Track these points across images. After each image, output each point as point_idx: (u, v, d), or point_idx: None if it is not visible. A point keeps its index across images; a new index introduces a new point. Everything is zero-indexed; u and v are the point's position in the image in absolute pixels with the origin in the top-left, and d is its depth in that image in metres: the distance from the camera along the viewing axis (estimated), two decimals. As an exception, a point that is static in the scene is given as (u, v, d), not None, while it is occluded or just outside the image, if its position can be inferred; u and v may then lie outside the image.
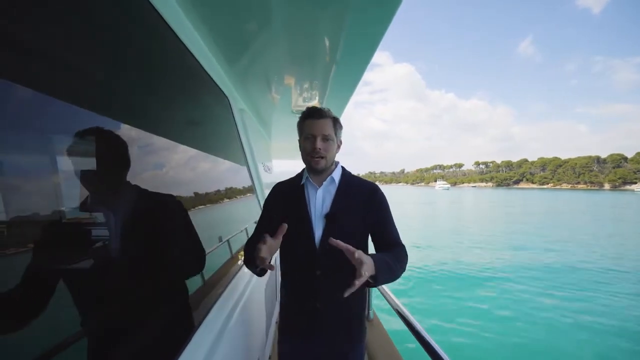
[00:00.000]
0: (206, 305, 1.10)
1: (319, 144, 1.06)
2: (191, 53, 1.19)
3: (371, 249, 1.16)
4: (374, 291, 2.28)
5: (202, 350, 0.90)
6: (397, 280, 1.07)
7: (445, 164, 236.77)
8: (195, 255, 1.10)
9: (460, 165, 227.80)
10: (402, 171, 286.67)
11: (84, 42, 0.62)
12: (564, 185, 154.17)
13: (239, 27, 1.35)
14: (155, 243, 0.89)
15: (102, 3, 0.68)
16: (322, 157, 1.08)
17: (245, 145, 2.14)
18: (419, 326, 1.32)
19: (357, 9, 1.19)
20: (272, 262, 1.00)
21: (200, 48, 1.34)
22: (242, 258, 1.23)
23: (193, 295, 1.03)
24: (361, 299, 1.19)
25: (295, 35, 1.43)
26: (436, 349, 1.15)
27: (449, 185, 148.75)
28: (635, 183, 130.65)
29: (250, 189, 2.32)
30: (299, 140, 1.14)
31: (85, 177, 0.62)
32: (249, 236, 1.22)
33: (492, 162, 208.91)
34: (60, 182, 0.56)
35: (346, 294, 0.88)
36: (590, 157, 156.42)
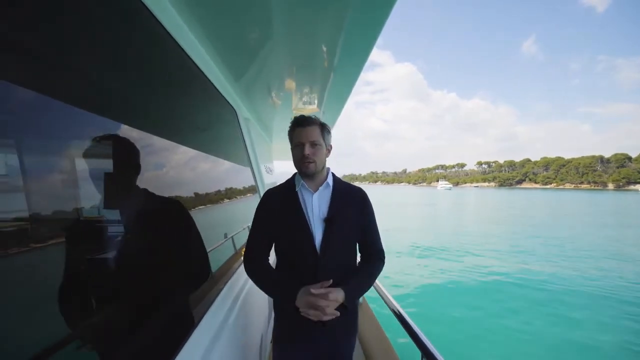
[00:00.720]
0: (206, 302, 1.16)
1: (308, 150, 1.13)
2: (204, 73, 1.44)
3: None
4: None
5: (200, 348, 0.95)
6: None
7: (447, 164, 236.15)
8: (199, 263, 1.17)
9: (463, 165, 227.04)
10: (404, 171, 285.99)
11: (118, 63, 0.84)
12: (567, 185, 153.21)
13: (244, 48, 1.59)
14: (161, 244, 0.95)
15: (123, 32, 0.83)
16: (312, 162, 1.14)
17: (249, 150, 2.39)
18: (402, 311, 1.44)
19: (352, 17, 1.28)
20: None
21: (212, 68, 1.58)
22: (243, 257, 1.27)
23: (194, 291, 1.12)
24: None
25: (294, 47, 1.60)
26: (417, 333, 1.26)
27: (451, 185, 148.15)
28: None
29: (253, 189, 2.56)
30: (291, 149, 1.21)
31: (99, 181, 0.68)
32: (247, 240, 1.24)
33: (494, 162, 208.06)
34: (76, 185, 0.62)
35: (315, 319, 1.04)
36: (593, 156, 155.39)
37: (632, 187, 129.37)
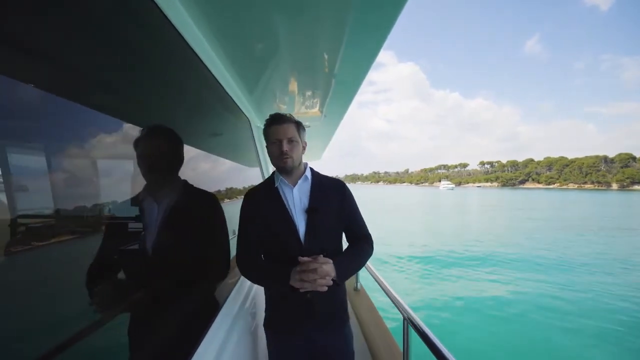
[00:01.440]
0: (224, 292, 1.30)
1: (286, 146, 1.16)
2: (224, 89, 1.74)
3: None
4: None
5: (222, 331, 1.07)
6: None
7: (449, 164, 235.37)
8: (222, 256, 1.24)
9: (465, 165, 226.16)
10: (406, 171, 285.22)
11: (165, 89, 1.12)
12: (571, 185, 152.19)
13: (256, 66, 1.86)
14: (195, 232, 1.06)
15: (165, 60, 1.04)
16: (289, 157, 1.17)
17: (260, 153, 2.72)
18: (399, 297, 1.49)
19: (352, 32, 1.35)
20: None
21: (231, 85, 1.89)
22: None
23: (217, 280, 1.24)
24: (344, 285, 1.31)
25: (298, 60, 1.80)
26: (408, 310, 1.31)
27: (453, 185, 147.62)
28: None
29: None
30: (266, 147, 1.24)
31: (146, 171, 0.81)
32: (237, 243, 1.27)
33: (497, 162, 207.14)
34: (127, 176, 0.75)
35: (302, 290, 1.06)
36: (597, 156, 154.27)
37: (636, 187, 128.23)
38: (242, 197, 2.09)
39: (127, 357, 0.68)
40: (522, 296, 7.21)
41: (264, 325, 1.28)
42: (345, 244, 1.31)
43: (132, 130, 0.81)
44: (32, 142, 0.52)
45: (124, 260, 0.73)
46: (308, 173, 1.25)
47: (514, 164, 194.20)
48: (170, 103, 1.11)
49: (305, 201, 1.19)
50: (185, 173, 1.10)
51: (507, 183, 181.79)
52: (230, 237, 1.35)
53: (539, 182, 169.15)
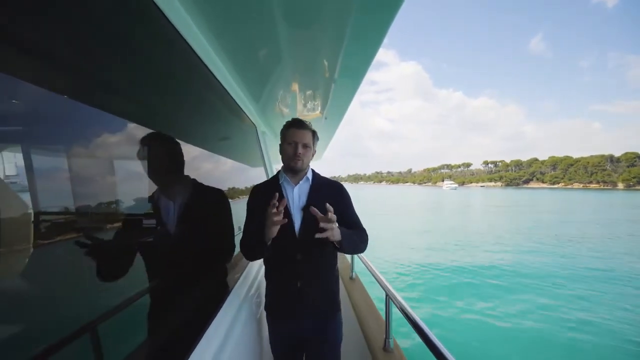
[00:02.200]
0: (231, 282, 1.39)
1: (300, 149, 1.26)
2: (234, 99, 1.89)
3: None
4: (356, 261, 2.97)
5: (222, 329, 1.11)
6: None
7: (453, 164, 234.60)
8: (227, 245, 1.37)
9: (469, 165, 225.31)
10: (409, 171, 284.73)
11: (180, 100, 1.26)
12: (576, 185, 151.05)
13: (262, 76, 2.03)
14: (206, 224, 1.16)
15: (180, 74, 1.17)
16: (301, 160, 1.27)
17: (264, 155, 2.88)
18: (390, 287, 1.62)
19: (349, 39, 1.41)
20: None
21: (239, 95, 2.04)
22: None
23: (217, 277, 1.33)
24: (335, 278, 1.42)
25: (299, 68, 1.95)
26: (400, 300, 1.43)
27: (456, 185, 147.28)
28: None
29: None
30: (281, 145, 1.33)
31: (152, 172, 0.86)
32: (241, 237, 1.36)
33: (501, 161, 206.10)
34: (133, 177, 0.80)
35: (317, 235, 1.10)
36: (603, 155, 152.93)
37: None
38: (246, 196, 2.24)
39: (147, 335, 0.79)
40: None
41: (265, 309, 1.41)
42: None
43: (138, 131, 0.92)
44: (57, 144, 0.58)
45: (147, 252, 0.81)
46: (309, 175, 1.35)
47: (517, 164, 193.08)
48: (190, 112, 1.30)
49: (303, 199, 1.30)
50: (202, 173, 1.28)
51: (510, 183, 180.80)
52: (235, 233, 1.47)
53: (543, 182, 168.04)
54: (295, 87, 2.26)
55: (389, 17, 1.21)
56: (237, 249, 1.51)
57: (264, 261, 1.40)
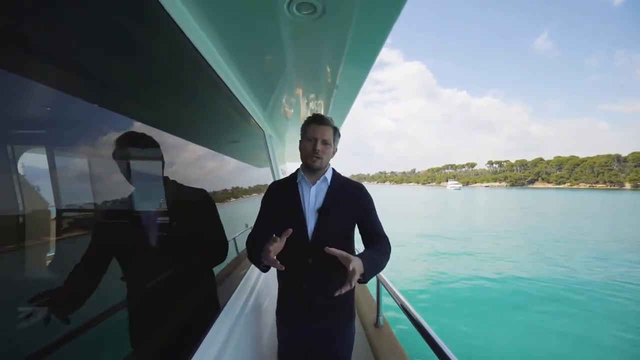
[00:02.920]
0: (228, 289, 1.35)
1: (319, 146, 1.19)
2: (244, 107, 2.12)
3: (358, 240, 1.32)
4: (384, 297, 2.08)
5: (222, 333, 1.06)
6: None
7: (457, 164, 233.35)
8: (220, 246, 1.31)
9: (473, 165, 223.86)
10: (413, 171, 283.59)
11: (194, 109, 1.47)
12: (582, 185, 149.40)
13: (269, 86, 2.25)
14: (187, 228, 1.08)
15: (197, 85, 1.39)
16: (320, 158, 1.20)
17: (271, 157, 3.14)
18: (432, 332, 1.16)
19: (350, 47, 1.45)
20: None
21: (249, 103, 2.28)
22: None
23: (219, 278, 1.29)
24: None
25: (303, 75, 2.12)
26: (443, 347, 1.02)
27: (460, 185, 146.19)
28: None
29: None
30: (300, 142, 1.25)
31: (129, 174, 0.78)
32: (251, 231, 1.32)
33: (505, 161, 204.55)
34: (111, 179, 0.72)
35: (337, 294, 0.98)
36: (609, 155, 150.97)
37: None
38: (255, 194, 2.45)
39: (134, 346, 0.75)
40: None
41: (276, 315, 1.36)
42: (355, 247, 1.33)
43: (169, 139, 1.05)
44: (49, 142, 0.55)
45: (124, 258, 0.75)
46: (329, 174, 1.28)
47: (523, 164, 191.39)
48: (208, 120, 1.54)
49: (320, 200, 1.23)
50: (216, 173, 1.49)
51: (515, 183, 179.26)
52: (241, 231, 1.57)
53: (548, 182, 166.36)
54: (299, 91, 2.47)
55: (387, 26, 1.25)
56: (237, 251, 1.55)
57: None
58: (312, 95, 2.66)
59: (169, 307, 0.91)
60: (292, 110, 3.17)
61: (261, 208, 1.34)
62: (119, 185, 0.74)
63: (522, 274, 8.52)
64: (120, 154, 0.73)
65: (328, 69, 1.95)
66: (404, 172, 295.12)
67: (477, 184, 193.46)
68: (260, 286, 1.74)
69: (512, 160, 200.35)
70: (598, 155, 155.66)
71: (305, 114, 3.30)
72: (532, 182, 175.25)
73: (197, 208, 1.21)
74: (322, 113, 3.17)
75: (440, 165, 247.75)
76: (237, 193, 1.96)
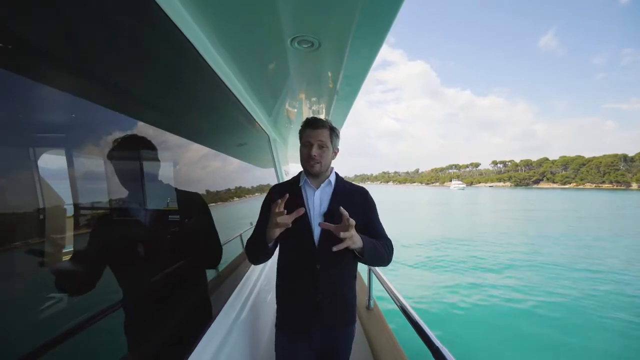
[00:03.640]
0: (223, 295, 1.33)
1: (315, 151, 1.16)
2: (251, 114, 2.27)
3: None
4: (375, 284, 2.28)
5: (215, 340, 1.05)
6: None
7: (461, 164, 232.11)
8: (213, 249, 1.30)
9: (477, 165, 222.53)
10: (417, 171, 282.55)
11: (205, 117, 1.63)
12: (588, 185, 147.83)
13: (273, 93, 2.38)
14: (180, 232, 1.04)
15: (204, 96, 1.65)
16: (318, 162, 1.17)
17: (275, 159, 3.32)
18: (414, 314, 1.30)
19: (349, 54, 1.48)
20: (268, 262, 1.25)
21: (256, 111, 2.46)
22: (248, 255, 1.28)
23: (212, 283, 1.27)
24: (354, 290, 1.30)
25: (305, 80, 2.22)
26: (431, 337, 1.07)
27: (464, 185, 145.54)
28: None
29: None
30: (300, 147, 1.23)
31: (124, 178, 0.77)
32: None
33: (510, 161, 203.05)
34: (106, 183, 0.70)
35: (335, 249, 0.99)
36: (616, 155, 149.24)
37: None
38: (258, 194, 2.59)
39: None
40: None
41: (276, 325, 1.29)
42: None
43: (185, 143, 1.17)
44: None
45: (119, 261, 0.75)
46: (332, 178, 1.25)
47: (527, 163, 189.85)
48: (220, 126, 1.74)
49: (325, 205, 1.20)
50: (225, 174, 1.60)
51: (520, 183, 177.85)
52: (247, 228, 1.66)
53: (554, 182, 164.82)
54: (302, 96, 2.61)
55: (380, 38, 1.32)
56: (235, 255, 1.55)
57: (277, 272, 1.29)
58: (313, 99, 2.82)
59: (160, 312, 0.89)
60: (295, 114, 3.33)
61: (262, 212, 1.29)
62: (112, 187, 0.73)
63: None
64: (114, 156, 0.72)
65: (329, 82, 2.16)
66: (407, 172, 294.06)
67: (481, 184, 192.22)
68: (259, 288, 1.75)
69: (517, 160, 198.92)
70: (604, 155, 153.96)
71: (308, 114, 3.45)
72: (537, 182, 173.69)
73: (189, 212, 1.16)
74: (324, 115, 3.33)
75: (444, 166, 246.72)
76: (242, 192, 2.14)
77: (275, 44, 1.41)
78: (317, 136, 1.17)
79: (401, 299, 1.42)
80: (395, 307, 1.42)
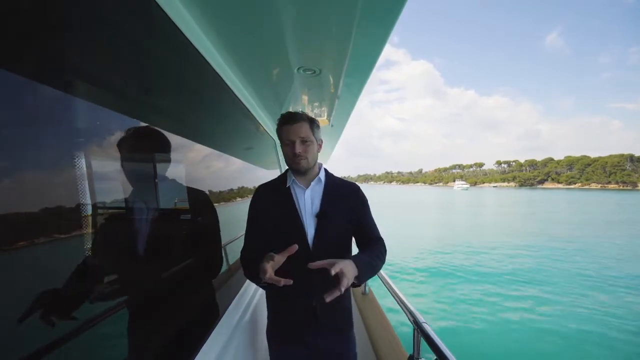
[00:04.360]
0: (226, 299, 1.32)
1: (298, 147, 1.09)
2: (257, 120, 2.36)
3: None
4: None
5: (222, 338, 1.07)
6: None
7: (464, 164, 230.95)
8: (213, 262, 1.26)
9: (481, 165, 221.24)
10: (420, 171, 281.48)
11: (211, 122, 1.72)
12: (593, 185, 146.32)
13: (277, 98, 2.45)
14: (186, 229, 1.02)
15: (211, 102, 1.56)
16: (304, 159, 1.11)
17: (280, 162, 3.39)
18: (405, 299, 1.47)
19: (351, 57, 1.47)
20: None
21: (260, 115, 2.54)
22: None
23: (218, 281, 1.28)
24: (349, 293, 1.28)
25: (308, 84, 2.25)
26: (418, 317, 1.24)
27: (468, 185, 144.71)
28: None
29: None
30: (281, 147, 1.16)
31: (130, 173, 0.75)
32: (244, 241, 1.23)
33: (514, 161, 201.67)
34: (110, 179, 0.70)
35: (328, 299, 0.90)
36: (622, 155, 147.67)
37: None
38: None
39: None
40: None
41: (267, 334, 1.25)
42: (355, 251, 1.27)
43: (198, 147, 1.21)
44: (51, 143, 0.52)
45: (120, 261, 0.73)
46: (322, 175, 1.20)
47: (532, 163, 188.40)
48: (227, 130, 1.83)
49: (316, 205, 1.15)
50: (233, 175, 1.75)
51: (525, 183, 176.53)
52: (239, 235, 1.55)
53: (559, 182, 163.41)
54: (305, 100, 2.70)
55: (382, 39, 1.30)
56: (232, 261, 1.51)
57: None
58: (316, 104, 2.93)
59: (169, 310, 0.89)
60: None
61: (250, 216, 1.22)
62: (113, 185, 0.71)
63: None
64: (121, 151, 0.71)
65: (331, 79, 2.24)
66: (410, 172, 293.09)
67: (485, 184, 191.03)
68: (255, 305, 1.69)
69: (522, 160, 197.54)
70: (610, 155, 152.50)
71: (310, 114, 3.53)
72: (541, 182, 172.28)
73: (194, 210, 1.11)
74: (326, 117, 3.41)
75: (447, 166, 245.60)
76: (251, 193, 2.21)
77: (284, 72, 1.71)
78: (297, 132, 1.10)
79: (392, 285, 1.66)
80: (386, 290, 1.70)
